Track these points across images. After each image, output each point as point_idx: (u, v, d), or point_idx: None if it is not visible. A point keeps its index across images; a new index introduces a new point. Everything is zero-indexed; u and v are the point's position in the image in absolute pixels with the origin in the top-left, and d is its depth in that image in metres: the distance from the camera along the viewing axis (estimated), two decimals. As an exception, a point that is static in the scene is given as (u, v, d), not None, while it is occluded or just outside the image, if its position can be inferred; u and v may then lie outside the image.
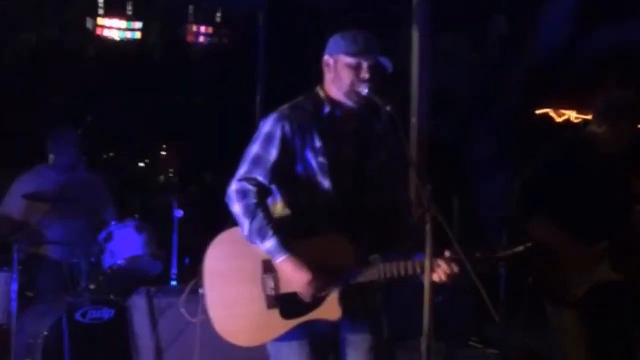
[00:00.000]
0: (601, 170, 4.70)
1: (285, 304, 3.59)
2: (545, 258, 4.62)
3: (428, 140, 7.42)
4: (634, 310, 4.82)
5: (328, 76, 3.72)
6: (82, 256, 6.09)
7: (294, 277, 3.53)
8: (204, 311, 3.68)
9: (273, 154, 3.61)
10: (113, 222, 6.31)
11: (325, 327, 3.64)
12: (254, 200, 3.56)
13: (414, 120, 7.46)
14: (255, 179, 3.59)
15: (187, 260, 7.33)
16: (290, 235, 3.58)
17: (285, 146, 3.61)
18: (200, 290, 3.72)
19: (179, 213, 6.78)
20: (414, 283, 3.58)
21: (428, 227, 3.33)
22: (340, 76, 3.66)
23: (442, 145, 10.30)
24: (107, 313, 5.86)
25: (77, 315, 5.75)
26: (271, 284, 3.59)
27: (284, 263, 3.53)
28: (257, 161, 3.61)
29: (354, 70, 3.63)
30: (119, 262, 6.18)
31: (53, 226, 6.33)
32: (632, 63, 10.20)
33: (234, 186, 3.61)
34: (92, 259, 6.11)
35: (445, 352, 5.67)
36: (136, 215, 6.50)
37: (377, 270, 3.56)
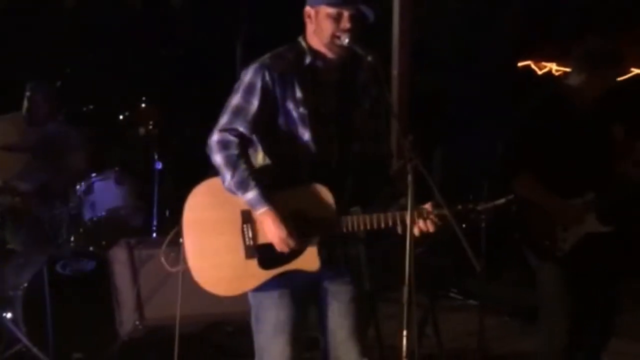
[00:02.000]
0: (582, 123, 4.70)
1: (264, 254, 3.58)
2: (532, 213, 4.64)
3: (410, 91, 7.39)
4: (621, 262, 4.85)
5: (310, 27, 3.68)
6: (62, 208, 6.06)
7: (272, 230, 3.52)
8: (184, 261, 3.68)
9: (254, 104, 3.58)
10: (93, 175, 6.28)
11: (307, 278, 3.63)
12: (235, 152, 3.54)
13: (395, 71, 7.42)
14: (236, 130, 3.57)
15: (167, 213, 7.31)
16: (271, 185, 3.57)
17: (266, 96, 3.59)
18: (180, 241, 3.71)
19: (159, 165, 6.75)
20: (395, 234, 3.58)
21: (410, 178, 3.32)
22: (321, 27, 3.62)
23: (425, 97, 10.28)
24: (88, 265, 5.85)
25: (58, 267, 5.74)
26: (250, 234, 3.58)
27: (263, 215, 3.52)
28: (238, 112, 3.59)
29: (335, 20, 3.59)
30: (99, 214, 6.18)
31: (30, 178, 6.29)
32: (612, 14, 10.16)
33: (215, 137, 3.58)
34: (73, 211, 6.09)
35: (426, 304, 5.69)
36: (117, 168, 6.47)
37: (357, 221, 3.56)
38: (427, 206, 3.53)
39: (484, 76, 11.07)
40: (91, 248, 6.03)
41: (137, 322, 5.75)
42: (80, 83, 11.41)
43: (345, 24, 3.58)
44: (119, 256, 5.93)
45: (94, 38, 11.44)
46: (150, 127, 7.07)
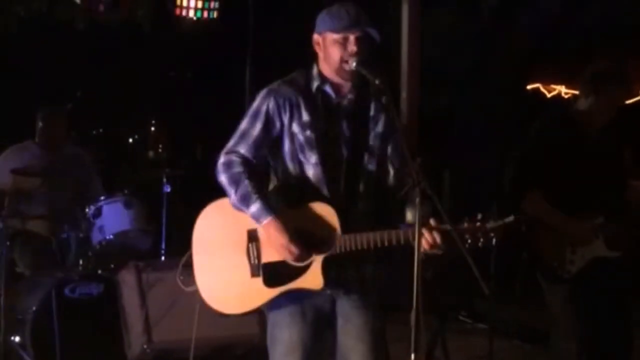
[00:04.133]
0: (591, 146, 4.69)
1: (268, 272, 3.63)
2: (540, 234, 4.63)
3: (419, 114, 7.40)
4: (629, 287, 4.83)
5: (320, 55, 3.74)
6: (70, 231, 6.07)
7: (276, 238, 3.56)
8: (195, 282, 3.74)
9: (257, 128, 3.68)
10: (102, 198, 6.30)
11: (321, 302, 3.68)
12: (238, 169, 3.63)
13: (404, 94, 7.44)
14: (238, 152, 3.67)
15: (176, 236, 7.31)
16: (280, 206, 3.62)
17: (269, 121, 3.68)
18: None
19: (168, 188, 6.76)
20: (404, 255, 3.57)
21: (418, 200, 3.32)
22: (329, 53, 3.67)
23: (434, 119, 10.28)
24: (96, 288, 5.86)
25: (66, 291, 5.75)
26: (255, 252, 3.64)
27: (268, 225, 3.56)
28: (242, 135, 3.70)
29: (341, 45, 3.64)
30: (108, 237, 6.18)
31: (41, 201, 6.31)
32: (621, 36, 10.16)
33: (221, 159, 3.69)
34: (81, 235, 6.09)
35: (435, 327, 5.67)
36: (125, 191, 6.47)
37: (362, 239, 3.56)
38: (432, 221, 3.52)
39: (492, 99, 11.07)
40: (99, 271, 6.03)
41: (145, 346, 5.74)
42: (91, 106, 11.47)
43: (352, 47, 3.62)
44: (127, 279, 5.93)
45: (103, 61, 11.49)
46: (160, 150, 7.08)
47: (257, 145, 3.68)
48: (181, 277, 4.63)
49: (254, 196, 3.57)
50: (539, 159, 4.68)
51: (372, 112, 3.75)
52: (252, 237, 3.65)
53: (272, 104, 3.67)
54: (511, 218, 3.56)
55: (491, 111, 11.01)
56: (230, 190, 3.62)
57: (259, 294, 3.64)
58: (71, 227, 6.13)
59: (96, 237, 6.14)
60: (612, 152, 4.76)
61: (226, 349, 6.00)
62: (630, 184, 4.82)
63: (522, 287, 7.43)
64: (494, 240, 3.55)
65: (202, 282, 3.72)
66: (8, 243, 5.84)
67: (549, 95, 11.73)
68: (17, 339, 5.70)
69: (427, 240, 3.49)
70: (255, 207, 3.57)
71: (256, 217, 3.58)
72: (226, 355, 6.05)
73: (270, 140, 3.70)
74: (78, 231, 6.08)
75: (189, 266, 3.88)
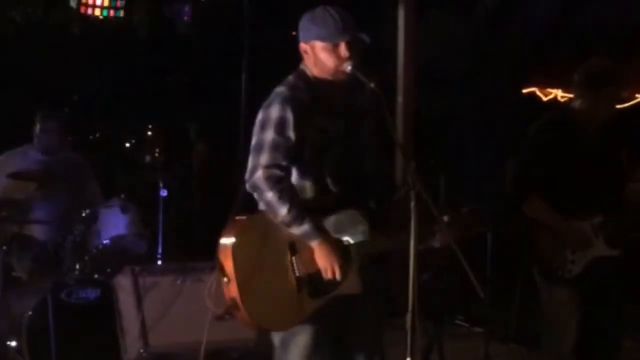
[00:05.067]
0: (589, 146, 4.71)
1: (312, 283, 3.62)
2: (541, 235, 4.64)
3: (414, 118, 7.41)
4: (629, 286, 4.84)
5: (309, 61, 3.71)
6: (67, 236, 6.07)
7: (325, 260, 3.58)
8: (229, 301, 3.60)
9: (291, 136, 3.61)
10: (98, 202, 6.29)
11: (333, 306, 3.68)
12: (287, 184, 3.60)
13: (400, 98, 7.45)
14: (280, 165, 3.59)
15: (172, 240, 7.32)
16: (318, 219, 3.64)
17: (298, 127, 3.62)
18: (224, 280, 3.60)
19: (164, 193, 6.77)
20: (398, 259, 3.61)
21: (413, 204, 3.33)
22: (320, 59, 3.66)
23: (430, 123, 10.29)
24: (92, 293, 5.84)
25: (63, 295, 5.73)
26: (299, 265, 3.61)
27: (319, 246, 3.58)
28: (276, 147, 3.59)
29: (332, 51, 3.62)
30: (104, 241, 6.17)
31: (37, 206, 6.30)
32: (617, 40, 10.19)
33: (260, 174, 3.58)
34: (78, 239, 6.09)
35: (431, 331, 5.66)
36: (122, 195, 6.47)
37: (392, 243, 3.65)
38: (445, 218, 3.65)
39: (488, 103, 11.09)
40: (96, 276, 6.02)
41: (142, 350, 5.73)
42: (87, 111, 11.48)
43: (345, 52, 3.60)
44: (123, 283, 5.93)
45: (100, 66, 11.51)
46: (156, 154, 7.08)
47: (291, 153, 3.61)
48: (209, 299, 4.57)
49: (307, 217, 3.56)
50: (537, 160, 4.69)
51: (364, 110, 3.77)
52: (294, 250, 3.61)
53: (296, 110, 3.61)
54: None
55: (487, 115, 11.03)
56: (281, 208, 3.54)
57: (304, 306, 3.62)
58: (67, 232, 6.12)
59: (92, 242, 6.14)
60: (611, 152, 4.76)
61: (222, 353, 6.00)
62: (629, 185, 4.83)
63: (519, 291, 7.43)
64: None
65: (249, 302, 3.55)
66: (5, 247, 5.83)
67: (545, 99, 11.76)
68: (14, 343, 5.68)
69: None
70: (307, 226, 3.56)
71: (308, 236, 3.58)
72: (222, 359, 6.05)
73: (299, 148, 3.64)
74: (74, 235, 6.07)
75: (214, 288, 3.81)
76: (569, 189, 4.63)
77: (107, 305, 5.85)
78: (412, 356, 3.34)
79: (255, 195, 3.62)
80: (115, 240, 6.20)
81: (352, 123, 3.74)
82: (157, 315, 5.79)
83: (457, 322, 7.65)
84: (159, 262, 6.58)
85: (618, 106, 4.94)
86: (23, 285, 6.06)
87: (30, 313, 5.63)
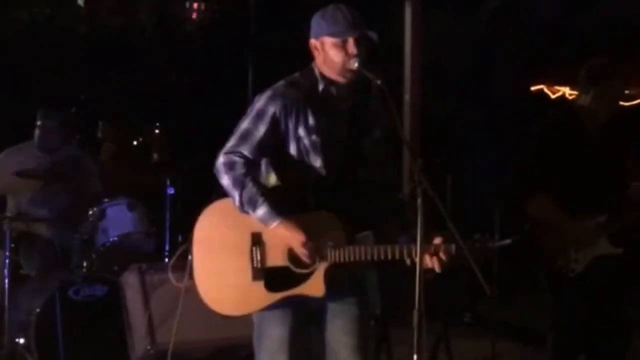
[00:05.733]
0: (593, 144, 4.71)
1: (271, 277, 3.60)
2: (544, 234, 4.64)
3: (421, 116, 7.42)
4: (632, 284, 4.84)
5: (318, 58, 3.71)
6: (74, 234, 6.08)
7: (292, 237, 3.52)
8: (191, 278, 3.71)
9: (261, 130, 3.62)
10: (105, 200, 6.31)
11: (310, 299, 3.63)
12: (242, 171, 3.57)
13: (407, 96, 7.45)
14: (241, 152, 3.60)
15: (179, 238, 7.31)
16: (281, 209, 3.57)
17: (275, 124, 3.62)
18: (189, 257, 3.76)
19: (171, 190, 6.78)
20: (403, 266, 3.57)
21: (419, 201, 3.32)
22: (329, 56, 3.65)
23: (436, 121, 10.28)
24: (99, 290, 5.87)
25: (70, 293, 5.76)
26: (258, 256, 3.60)
27: (278, 227, 3.53)
28: (245, 136, 3.62)
29: (341, 48, 3.62)
30: (111, 239, 6.20)
31: (44, 204, 6.32)
32: (625, 37, 10.17)
33: (221, 159, 3.62)
34: (85, 237, 6.11)
35: (439, 329, 5.67)
36: (129, 193, 6.49)
37: (365, 252, 3.54)
38: (437, 241, 3.49)
39: (496, 101, 11.07)
40: (103, 273, 6.04)
41: (149, 347, 5.75)
42: (94, 109, 11.47)
43: (352, 49, 3.60)
44: (130, 281, 5.95)
45: (106, 64, 11.50)
46: (163, 152, 7.09)
47: (260, 147, 3.61)
48: (174, 271, 4.66)
49: (261, 199, 3.53)
50: (540, 160, 4.69)
51: (373, 115, 3.74)
52: (257, 240, 3.61)
53: (278, 107, 3.61)
54: (508, 242, 3.56)
55: (495, 113, 11.01)
56: (234, 193, 3.55)
57: (259, 297, 3.61)
58: (75, 230, 6.14)
59: (100, 239, 6.16)
60: (614, 151, 4.76)
61: (230, 351, 6.01)
62: (636, 186, 4.83)
63: (526, 289, 7.43)
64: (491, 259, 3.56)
65: (200, 282, 3.69)
66: (12, 245, 5.85)
67: (553, 97, 11.74)
68: (22, 340, 5.71)
69: (426, 263, 3.44)
70: (262, 210, 3.53)
71: (264, 220, 3.54)
72: (230, 357, 6.06)
73: (273, 143, 3.63)
74: (82, 233, 6.09)
75: (182, 260, 3.87)
76: (572, 188, 4.63)
77: (115, 302, 5.88)
78: (419, 354, 3.34)
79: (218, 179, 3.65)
80: (123, 238, 6.22)
81: (356, 128, 3.72)
82: (165, 313, 5.80)
83: (465, 320, 7.65)
84: (166, 260, 6.59)
85: (623, 104, 4.94)
86: (31, 283, 6.09)
87: (38, 311, 5.66)
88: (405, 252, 3.50)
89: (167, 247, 6.65)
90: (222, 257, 3.65)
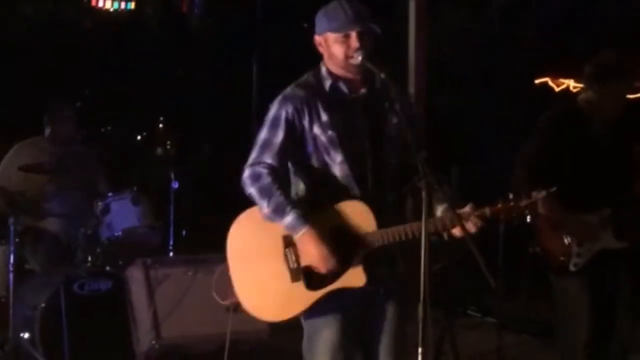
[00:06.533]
0: (598, 138, 4.69)
1: (309, 275, 3.60)
2: (547, 228, 4.62)
3: (426, 109, 7.39)
4: (637, 278, 4.82)
5: (324, 55, 3.74)
6: (79, 228, 6.08)
7: (312, 250, 3.55)
8: (232, 292, 3.71)
9: (280, 136, 3.65)
10: (110, 195, 6.30)
11: (357, 298, 3.64)
12: (267, 180, 3.61)
13: (411, 90, 7.43)
14: (265, 162, 3.64)
15: (183, 232, 7.33)
16: (313, 212, 3.61)
17: (291, 127, 3.65)
18: (229, 273, 3.73)
19: (176, 185, 6.78)
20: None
21: (424, 193, 3.31)
22: (333, 52, 3.67)
23: (442, 115, 10.27)
24: (104, 285, 5.86)
25: (75, 287, 5.75)
26: (293, 257, 3.62)
27: (303, 236, 3.56)
28: (265, 145, 3.67)
29: (344, 42, 3.64)
30: (116, 233, 6.18)
31: (50, 199, 6.32)
32: (630, 31, 10.14)
33: (246, 172, 3.67)
34: (90, 231, 6.10)
35: (443, 321, 5.66)
36: (134, 188, 6.48)
37: (400, 232, 3.56)
38: (467, 208, 3.55)
39: (501, 93, 11.06)
40: (108, 268, 6.03)
41: (154, 341, 5.75)
42: (99, 104, 11.49)
43: (355, 43, 3.61)
44: (135, 275, 5.95)
45: (111, 60, 11.52)
46: (168, 147, 7.10)
47: (282, 152, 3.65)
48: (218, 290, 4.64)
49: (288, 207, 3.57)
50: (544, 153, 4.67)
51: (386, 104, 3.74)
52: (288, 242, 3.62)
53: (290, 109, 3.65)
54: (543, 193, 3.57)
55: (500, 106, 11.00)
56: (262, 203, 3.60)
57: (301, 298, 3.62)
58: (80, 224, 6.13)
59: (104, 234, 6.15)
60: (619, 145, 4.74)
61: (233, 345, 6.01)
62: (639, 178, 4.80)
63: (530, 281, 7.42)
64: (528, 217, 3.58)
65: (242, 292, 3.69)
66: (18, 240, 5.84)
67: (557, 89, 11.72)
68: (27, 335, 5.71)
69: (463, 228, 3.47)
70: (289, 218, 3.56)
71: (291, 228, 3.57)
72: (233, 351, 6.06)
73: (294, 146, 3.67)
74: (86, 228, 6.08)
75: (223, 278, 3.85)
76: (576, 182, 4.60)
77: (119, 297, 5.87)
78: (424, 346, 3.33)
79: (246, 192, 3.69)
80: (127, 232, 6.21)
81: (375, 116, 3.72)
82: (169, 307, 5.82)
83: (469, 312, 7.65)
84: (171, 254, 6.59)
85: (630, 97, 4.91)
86: (36, 278, 6.09)
87: (43, 305, 5.65)
88: (439, 225, 3.54)
89: (171, 242, 6.65)
90: (259, 265, 3.66)
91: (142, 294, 5.87)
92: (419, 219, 3.44)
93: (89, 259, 6.03)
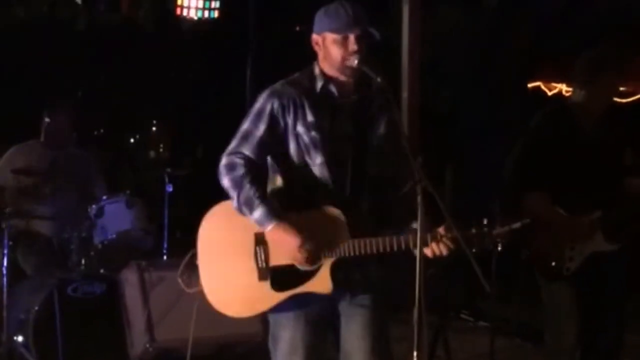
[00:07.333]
0: (588, 140, 4.70)
1: (276, 276, 3.60)
2: (539, 232, 4.62)
3: (419, 113, 7.40)
4: (627, 280, 4.84)
5: (320, 54, 3.73)
6: (73, 231, 6.08)
7: (285, 242, 3.53)
8: (198, 281, 3.71)
9: (261, 129, 3.64)
10: (104, 198, 6.31)
11: (324, 300, 3.64)
12: (241, 172, 3.58)
13: (405, 94, 7.44)
14: (242, 153, 3.62)
15: (178, 235, 7.31)
16: (286, 208, 3.59)
17: (274, 122, 3.64)
18: (197, 262, 3.74)
19: (170, 188, 6.78)
20: (410, 256, 3.56)
21: (419, 199, 3.32)
22: (330, 52, 3.66)
23: (436, 116, 10.28)
24: (98, 288, 5.87)
25: (69, 290, 5.76)
26: (262, 256, 3.61)
27: (273, 230, 3.54)
28: (245, 136, 3.65)
29: (342, 44, 3.63)
30: (110, 236, 6.18)
31: (44, 202, 6.32)
32: (623, 35, 10.16)
33: (223, 160, 3.64)
34: (83, 234, 6.10)
35: (437, 325, 5.67)
36: (127, 191, 6.49)
37: (370, 244, 3.54)
38: (441, 230, 3.52)
39: (494, 96, 11.07)
40: (102, 271, 6.04)
41: (148, 345, 5.75)
42: (92, 107, 11.46)
43: (353, 46, 3.61)
44: (129, 278, 5.95)
45: (104, 62, 11.49)
46: (161, 150, 7.09)
47: (261, 146, 3.63)
48: (184, 277, 4.67)
49: (257, 201, 3.53)
50: (535, 156, 4.68)
51: (374, 112, 3.74)
52: (260, 240, 3.61)
53: (276, 104, 3.63)
54: (518, 224, 3.56)
55: (493, 108, 11.01)
56: (233, 194, 3.57)
57: (266, 297, 3.61)
58: (73, 227, 6.13)
59: (98, 237, 6.15)
60: (609, 145, 4.74)
61: (227, 348, 6.02)
62: (630, 181, 4.81)
63: (524, 286, 7.43)
64: (499, 245, 3.57)
65: (208, 284, 3.69)
66: (11, 243, 5.84)
67: (549, 94, 11.74)
68: (20, 338, 5.71)
69: (433, 249, 3.49)
70: (258, 212, 3.53)
71: (260, 222, 3.55)
72: (227, 354, 6.07)
73: (274, 141, 3.64)
74: (80, 231, 6.09)
75: (191, 266, 3.88)
76: (567, 184, 4.61)
77: (113, 300, 5.89)
78: (418, 350, 3.34)
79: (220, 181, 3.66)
80: (121, 235, 6.21)
81: (361, 123, 3.71)
82: (163, 310, 5.82)
83: (463, 316, 7.66)
84: (165, 257, 6.59)
85: (619, 101, 4.93)
86: (29, 281, 6.08)
87: (36, 308, 5.66)
88: (410, 242, 3.50)
89: (165, 245, 6.64)
90: (228, 258, 3.65)
91: (136, 297, 5.87)
92: (396, 231, 3.49)
93: (83, 262, 6.03)
